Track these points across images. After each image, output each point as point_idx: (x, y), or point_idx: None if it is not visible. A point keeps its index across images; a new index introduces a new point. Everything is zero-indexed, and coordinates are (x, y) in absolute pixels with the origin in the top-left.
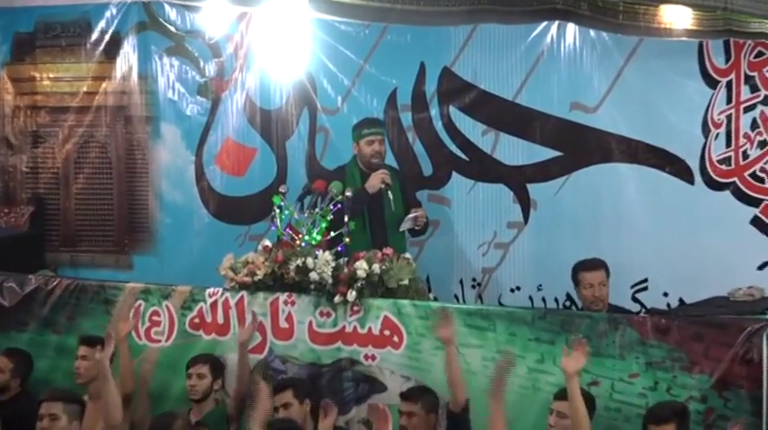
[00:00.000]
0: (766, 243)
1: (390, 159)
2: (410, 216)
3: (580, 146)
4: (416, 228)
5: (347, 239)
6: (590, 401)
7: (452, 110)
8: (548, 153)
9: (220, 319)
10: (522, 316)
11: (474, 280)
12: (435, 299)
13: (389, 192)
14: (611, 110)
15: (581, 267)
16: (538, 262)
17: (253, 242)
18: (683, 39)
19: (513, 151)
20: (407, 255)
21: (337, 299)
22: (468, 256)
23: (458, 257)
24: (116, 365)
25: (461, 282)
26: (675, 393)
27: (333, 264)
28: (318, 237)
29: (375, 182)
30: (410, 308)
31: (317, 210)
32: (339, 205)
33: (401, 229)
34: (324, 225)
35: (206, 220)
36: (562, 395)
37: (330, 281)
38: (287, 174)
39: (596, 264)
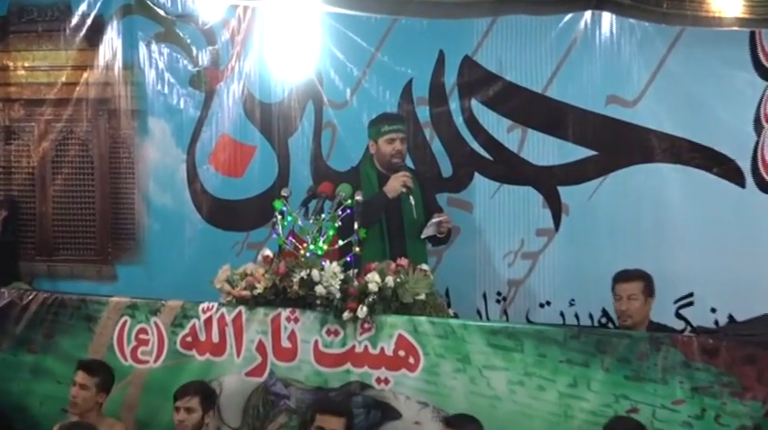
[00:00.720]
0: None
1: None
2: (433, 221)
3: (617, 144)
4: (439, 235)
5: (357, 249)
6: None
7: (474, 103)
8: (581, 152)
9: (215, 338)
10: (553, 335)
11: (499, 293)
12: (456, 315)
13: (411, 197)
14: (652, 104)
15: (616, 277)
16: (570, 274)
17: (252, 251)
18: (734, 29)
19: (543, 150)
20: (425, 266)
21: (346, 315)
22: (492, 267)
23: (481, 268)
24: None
25: (485, 295)
26: (725, 422)
27: (341, 277)
28: (325, 247)
29: (396, 185)
30: (427, 325)
31: (323, 215)
32: (348, 210)
33: (423, 236)
34: (331, 233)
35: (199, 227)
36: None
37: (338, 295)
38: (289, 175)
39: (630, 275)
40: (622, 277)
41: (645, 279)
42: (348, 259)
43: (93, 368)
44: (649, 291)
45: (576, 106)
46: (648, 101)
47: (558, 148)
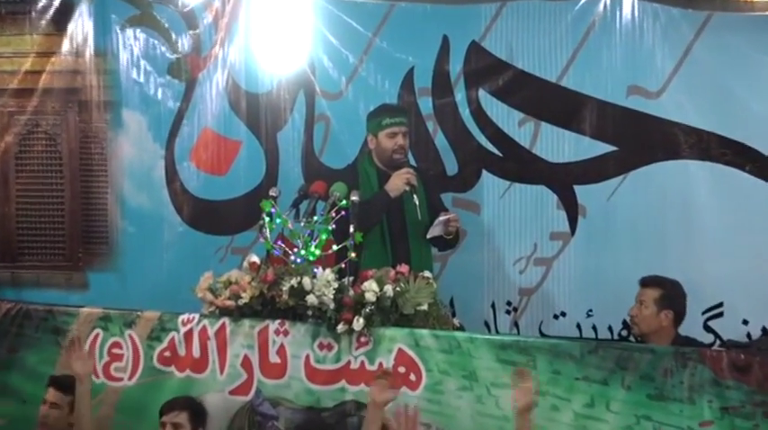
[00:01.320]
0: None
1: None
2: (440, 219)
3: (639, 139)
4: (447, 236)
5: (353, 254)
6: None
7: (482, 94)
8: (600, 147)
9: (196, 353)
10: (569, 349)
11: (509, 303)
12: (461, 327)
13: (415, 196)
14: (678, 95)
15: (639, 281)
16: (588, 281)
17: (237, 257)
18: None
19: (557, 145)
20: (427, 273)
21: (341, 328)
22: (501, 275)
23: (489, 276)
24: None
25: (493, 305)
26: None
27: (335, 285)
28: (317, 252)
29: (399, 183)
30: (430, 339)
31: (315, 218)
32: (343, 212)
33: (428, 236)
34: (324, 237)
35: (179, 230)
36: None
37: (332, 306)
38: (278, 173)
39: (647, 280)
40: (642, 281)
41: (665, 288)
42: (343, 266)
43: (65, 385)
44: (666, 302)
45: (594, 97)
46: (673, 91)
47: (574, 144)
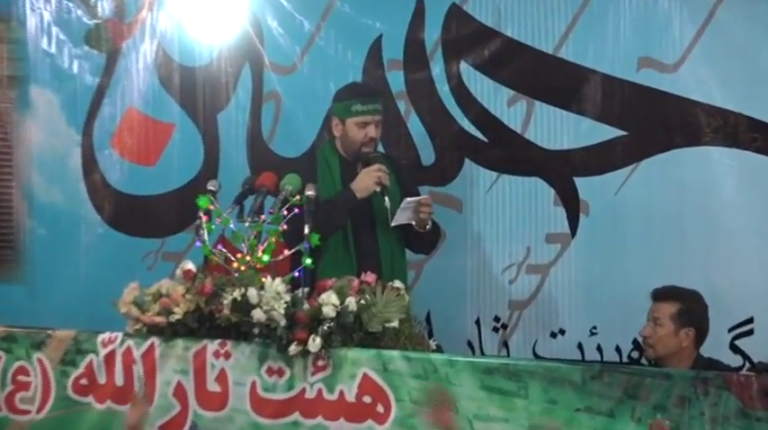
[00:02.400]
0: None
1: None
2: (408, 201)
3: (653, 121)
4: (419, 228)
5: (308, 261)
6: None
7: (464, 67)
8: (605, 132)
9: (119, 380)
10: (568, 374)
11: (497, 319)
12: (439, 348)
13: (386, 199)
14: (699, 68)
15: (652, 293)
16: (591, 293)
17: (168, 264)
18: None
19: (554, 129)
20: (398, 283)
21: (294, 349)
22: (487, 285)
23: (473, 286)
24: None
25: (478, 322)
26: None
27: (287, 298)
28: (266, 258)
29: (368, 182)
30: (401, 362)
31: (263, 216)
32: (297, 210)
33: (393, 224)
34: (274, 239)
35: (98, 231)
36: None
37: (283, 322)
38: (219, 162)
39: (662, 293)
40: (654, 294)
41: (683, 302)
42: (297, 274)
43: None
44: (686, 318)
45: (597, 71)
46: (693, 64)
47: (574, 127)
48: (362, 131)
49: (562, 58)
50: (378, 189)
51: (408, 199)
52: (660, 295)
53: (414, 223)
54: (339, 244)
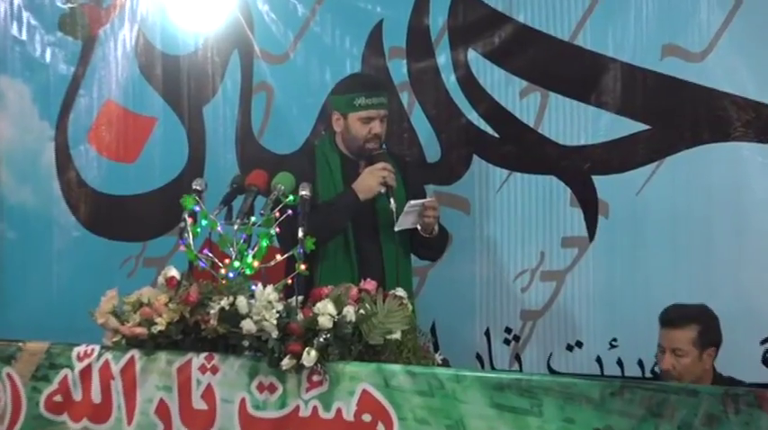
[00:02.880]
0: None
1: None
2: (412, 204)
3: (678, 114)
4: (425, 233)
5: (302, 267)
6: None
7: (473, 56)
8: (626, 126)
9: (96, 397)
10: (585, 390)
11: (508, 331)
12: (445, 362)
13: (392, 200)
14: (728, 56)
15: (661, 318)
16: (611, 302)
17: (150, 270)
18: None
19: (571, 123)
20: (400, 291)
21: (287, 363)
22: (498, 293)
23: (482, 294)
24: None
25: (488, 333)
26: None
27: (279, 307)
28: (256, 264)
29: (371, 183)
30: (404, 377)
31: (253, 218)
32: (290, 211)
33: (398, 229)
34: (265, 244)
35: (74, 235)
36: None
37: (275, 334)
38: (205, 159)
39: (677, 319)
40: (667, 321)
41: (700, 322)
42: (290, 282)
43: None
44: (707, 339)
45: (618, 60)
46: (722, 52)
47: (592, 121)
48: (366, 127)
49: (579, 46)
50: (382, 190)
51: (412, 201)
52: (673, 321)
53: (419, 228)
54: (339, 249)
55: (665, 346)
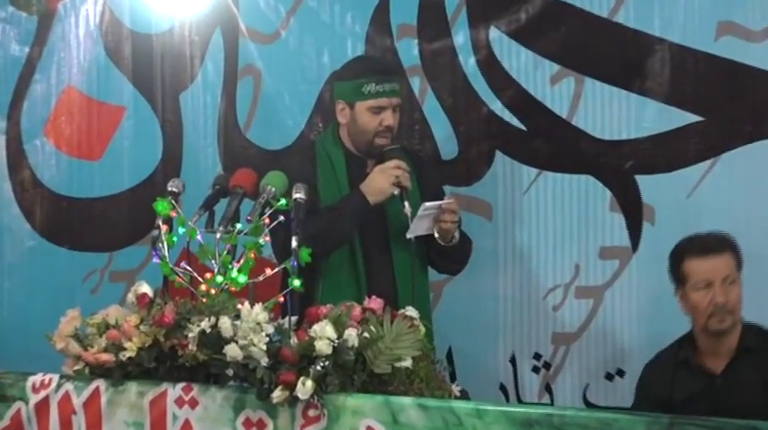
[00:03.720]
0: None
1: None
2: (427, 206)
3: (736, 103)
4: (442, 240)
5: (296, 282)
6: None
7: (496, 36)
8: (675, 117)
9: None
10: (629, 427)
11: (537, 356)
12: (463, 393)
13: (406, 204)
14: None
15: (687, 249)
16: (657, 322)
17: (117, 285)
18: None
19: (610, 114)
20: (411, 310)
21: (278, 395)
22: (525, 313)
23: (507, 314)
24: None
25: (513, 359)
26: None
27: (269, 330)
28: (243, 278)
29: (383, 183)
30: (415, 412)
31: (239, 226)
32: (282, 217)
33: (410, 235)
34: (252, 255)
35: (28, 244)
36: None
37: (264, 361)
38: (182, 156)
39: (716, 244)
40: (706, 249)
41: (731, 245)
42: (282, 299)
43: None
44: (740, 262)
45: (665, 40)
46: None
47: (635, 112)
48: (376, 118)
49: (620, 24)
50: (395, 192)
51: (427, 203)
52: (714, 247)
53: (436, 234)
54: (344, 262)
55: (709, 278)
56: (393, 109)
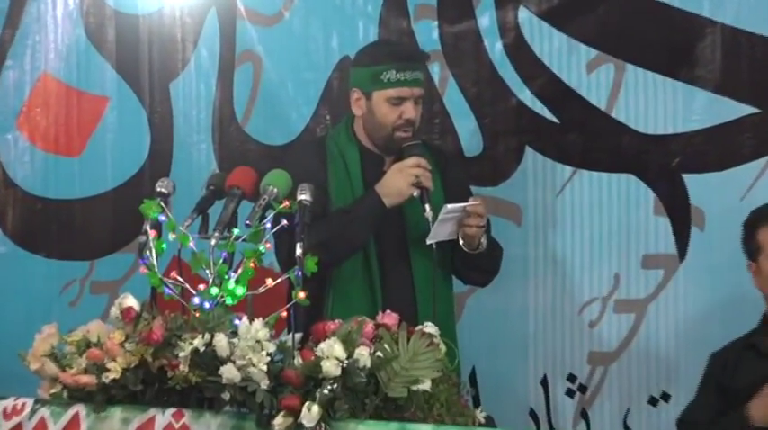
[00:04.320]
0: None
1: None
2: (450, 208)
3: None
4: (467, 246)
5: (301, 295)
6: None
7: (525, 17)
8: (728, 109)
9: None
10: None
11: (572, 378)
12: (489, 420)
13: (427, 207)
14: None
15: (763, 217)
16: (707, 339)
17: (99, 298)
18: None
19: (654, 105)
20: (430, 327)
21: (280, 422)
22: (558, 329)
23: (537, 331)
24: None
25: (545, 381)
26: None
27: (270, 349)
28: (241, 291)
29: (400, 183)
30: None
31: (236, 231)
32: (284, 221)
33: (430, 241)
34: (252, 264)
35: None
36: None
37: (264, 384)
38: (172, 152)
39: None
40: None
41: None
42: (284, 314)
43: None
44: None
45: (717, 22)
46: None
47: (683, 102)
48: (397, 110)
49: (666, 3)
50: (415, 193)
51: (449, 206)
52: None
53: (460, 240)
54: (357, 271)
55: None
56: (415, 101)
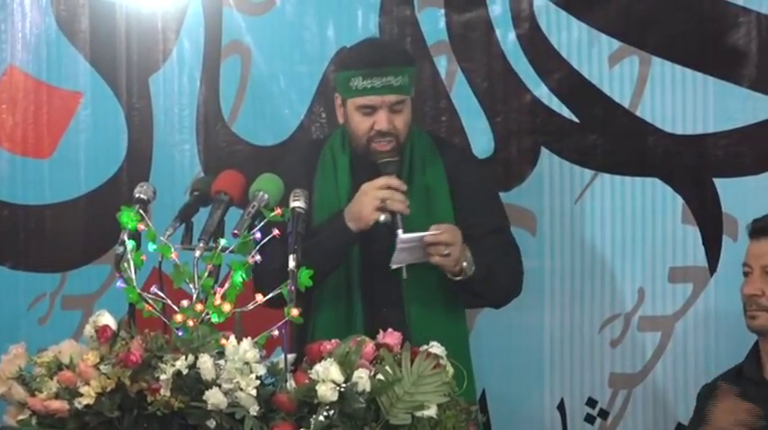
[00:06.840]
0: None
1: None
2: (403, 239)
3: None
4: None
5: (294, 312)
6: None
7: (541, 5)
8: (764, 107)
9: None
10: None
11: (592, 403)
12: None
13: (400, 231)
14: None
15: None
16: (740, 359)
17: (72, 314)
18: None
19: (683, 102)
20: (437, 347)
21: None
22: (577, 349)
23: (554, 351)
24: None
25: (562, 406)
26: None
27: (261, 371)
28: (227, 307)
29: (365, 209)
30: None
31: (223, 241)
32: (276, 231)
33: (394, 266)
34: (239, 278)
35: None
36: None
37: (254, 410)
38: (152, 154)
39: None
40: (754, 229)
41: None
42: (275, 334)
43: None
44: None
45: (752, 11)
46: None
47: (714, 100)
48: (368, 120)
49: None
50: (381, 218)
51: (403, 235)
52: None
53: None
54: (341, 292)
55: (751, 265)
56: (390, 109)
